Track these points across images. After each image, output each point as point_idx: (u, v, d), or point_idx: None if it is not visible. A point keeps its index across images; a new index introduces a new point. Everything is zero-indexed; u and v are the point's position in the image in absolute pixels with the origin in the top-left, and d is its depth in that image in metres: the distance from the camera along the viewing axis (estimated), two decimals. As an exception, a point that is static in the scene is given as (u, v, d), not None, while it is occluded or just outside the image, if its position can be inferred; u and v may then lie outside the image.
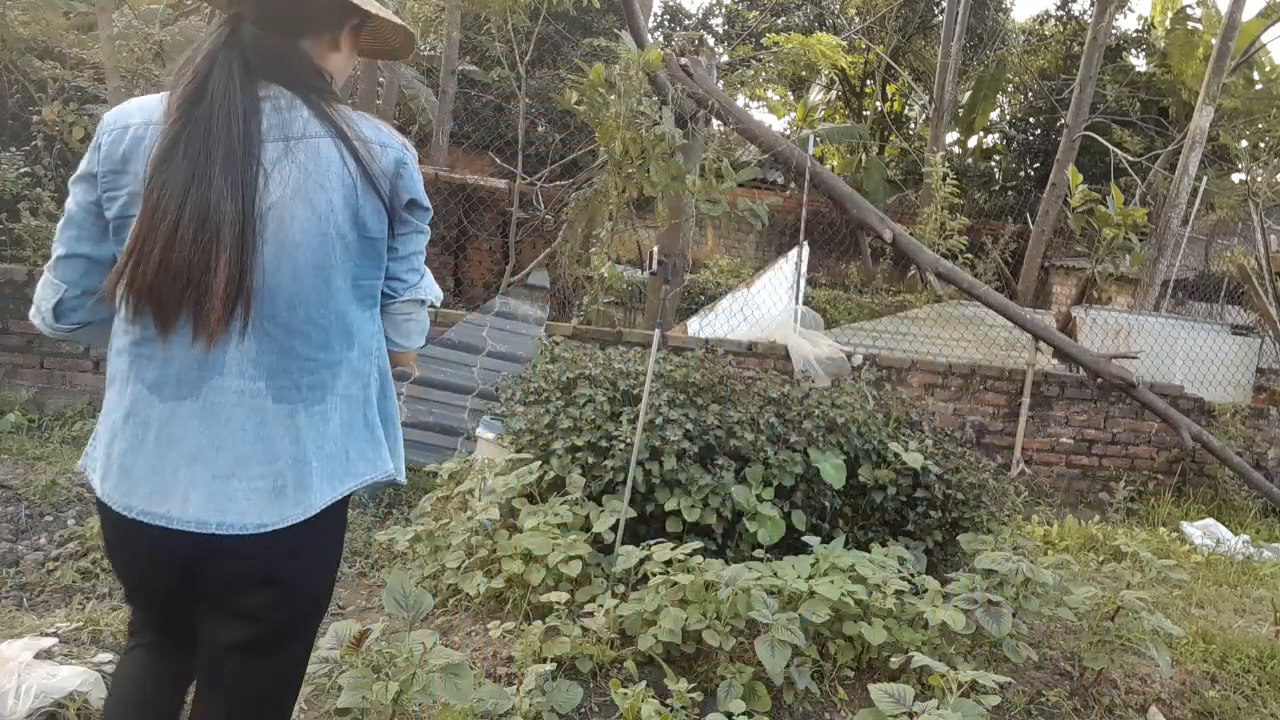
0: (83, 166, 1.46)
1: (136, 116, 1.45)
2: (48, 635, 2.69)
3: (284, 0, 1.47)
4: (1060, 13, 18.06)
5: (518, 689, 2.54)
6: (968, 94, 17.34)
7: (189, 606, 1.51)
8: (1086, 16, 16.44)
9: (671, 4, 18.73)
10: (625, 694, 2.61)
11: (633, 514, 3.55)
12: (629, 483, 3.53)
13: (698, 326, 6.93)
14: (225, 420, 1.41)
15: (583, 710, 2.79)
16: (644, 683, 2.72)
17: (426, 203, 1.55)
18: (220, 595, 1.47)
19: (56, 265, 1.49)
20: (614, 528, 3.49)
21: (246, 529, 1.40)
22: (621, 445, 3.66)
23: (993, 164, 18.32)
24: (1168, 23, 15.80)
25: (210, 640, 1.51)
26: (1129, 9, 25.45)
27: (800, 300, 7.22)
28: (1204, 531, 6.00)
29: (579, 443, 3.73)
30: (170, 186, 1.34)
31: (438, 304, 1.65)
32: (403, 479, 1.64)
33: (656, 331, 3.69)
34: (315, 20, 1.51)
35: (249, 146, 1.37)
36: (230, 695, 1.50)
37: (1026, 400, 6.78)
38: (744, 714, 2.62)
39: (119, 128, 1.44)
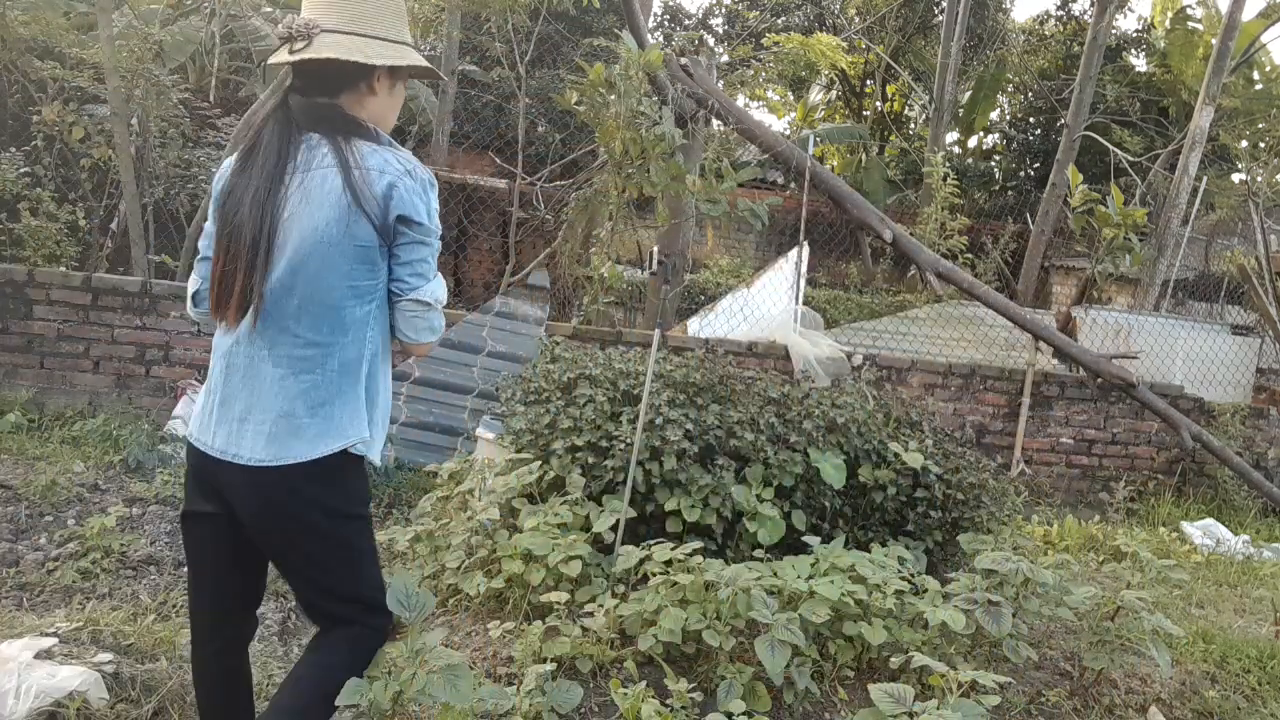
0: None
1: (231, 163, 1.95)
2: (48, 635, 2.68)
3: (316, 74, 1.89)
4: (1060, 13, 18.05)
5: (518, 689, 2.54)
6: (968, 94, 17.33)
7: (230, 532, 1.93)
8: (1086, 16, 16.44)
9: (671, 4, 18.74)
10: (625, 694, 2.61)
11: (633, 514, 3.54)
12: (629, 483, 3.52)
13: (698, 326, 6.92)
14: (242, 378, 1.86)
15: (583, 710, 2.79)
16: (644, 683, 2.72)
17: (420, 218, 1.85)
18: (236, 507, 1.88)
19: (196, 265, 2.01)
20: (614, 528, 3.49)
21: (250, 461, 1.82)
22: (621, 445, 3.66)
23: (993, 164, 18.31)
24: (1168, 23, 15.81)
25: None
26: (1129, 9, 25.45)
27: (800, 300, 7.22)
28: (1204, 531, 6.00)
29: (579, 443, 3.73)
30: (226, 215, 1.85)
31: (436, 305, 1.93)
32: (375, 458, 1.94)
33: (656, 331, 3.68)
34: (344, 80, 1.89)
35: (274, 182, 1.82)
36: (286, 576, 2.02)
37: (1026, 400, 6.78)
38: (744, 714, 2.62)
39: (221, 172, 1.94)
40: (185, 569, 3.67)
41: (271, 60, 1.94)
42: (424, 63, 1.97)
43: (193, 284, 2.01)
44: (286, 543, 1.90)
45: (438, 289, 1.92)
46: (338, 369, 1.84)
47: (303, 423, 1.82)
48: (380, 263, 1.84)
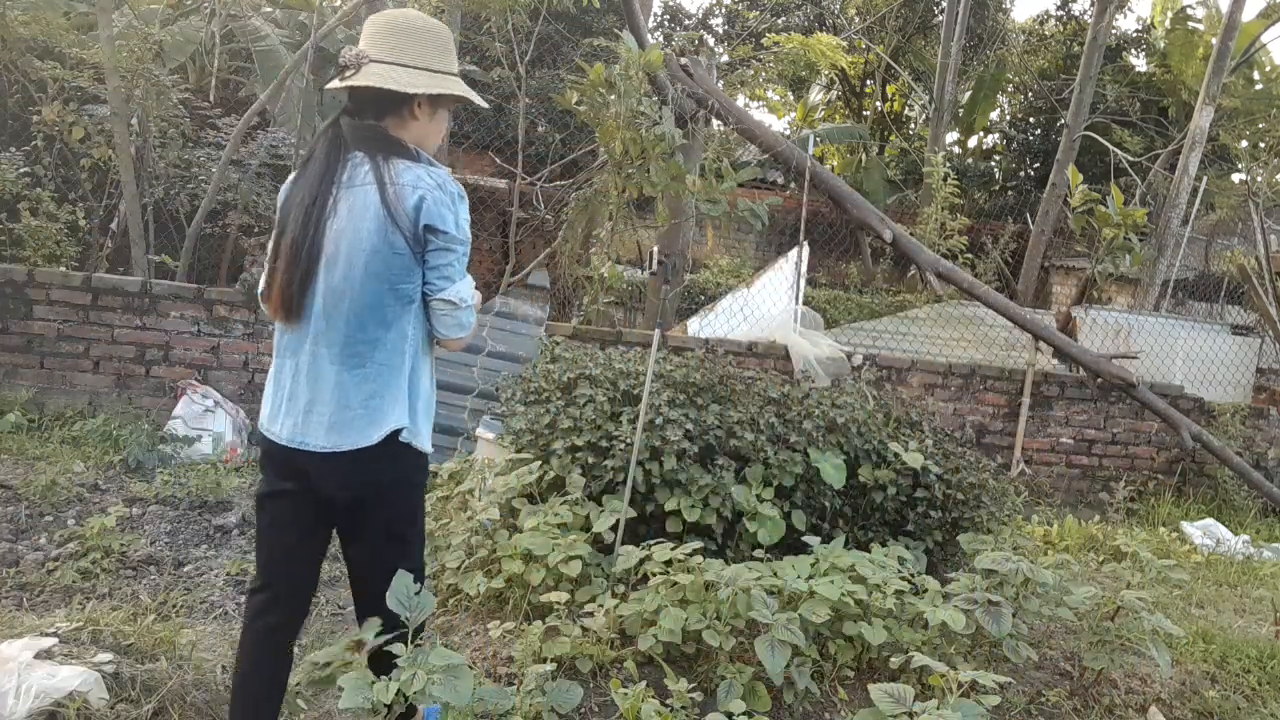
0: None
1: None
2: (48, 635, 2.68)
3: (363, 99, 2.14)
4: (1060, 13, 18.05)
5: (518, 689, 2.54)
6: (968, 94, 17.32)
7: (302, 507, 2.18)
8: (1086, 16, 16.43)
9: (671, 4, 18.73)
10: (625, 694, 2.61)
11: (633, 514, 3.54)
12: (629, 483, 3.52)
13: (698, 326, 6.93)
14: (306, 373, 2.11)
15: (583, 710, 2.79)
16: (644, 683, 2.72)
17: (445, 227, 2.07)
18: (315, 484, 2.14)
19: (265, 266, 2.22)
20: (614, 528, 3.48)
21: (316, 447, 2.08)
22: (621, 445, 3.66)
23: (993, 164, 18.31)
24: (1168, 23, 15.80)
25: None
26: (1129, 9, 25.42)
27: (800, 300, 7.21)
28: (1204, 531, 6.00)
29: (579, 443, 3.73)
30: (281, 224, 2.13)
31: (462, 305, 2.14)
32: (420, 444, 2.15)
33: (656, 331, 3.68)
34: (387, 105, 2.13)
35: (321, 195, 2.07)
36: (354, 545, 2.27)
37: (1026, 400, 6.78)
38: (744, 714, 2.62)
39: (285, 185, 2.20)
40: (186, 568, 3.69)
41: (328, 87, 2.20)
42: (466, 92, 2.20)
43: (261, 284, 2.25)
44: (359, 508, 2.16)
45: (463, 289, 2.14)
46: (383, 362, 2.08)
47: (356, 413, 2.07)
48: (416, 267, 2.08)
